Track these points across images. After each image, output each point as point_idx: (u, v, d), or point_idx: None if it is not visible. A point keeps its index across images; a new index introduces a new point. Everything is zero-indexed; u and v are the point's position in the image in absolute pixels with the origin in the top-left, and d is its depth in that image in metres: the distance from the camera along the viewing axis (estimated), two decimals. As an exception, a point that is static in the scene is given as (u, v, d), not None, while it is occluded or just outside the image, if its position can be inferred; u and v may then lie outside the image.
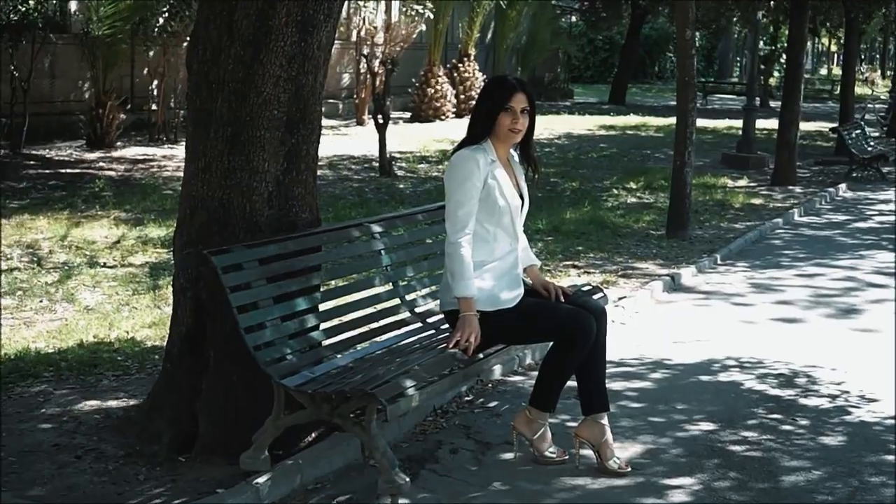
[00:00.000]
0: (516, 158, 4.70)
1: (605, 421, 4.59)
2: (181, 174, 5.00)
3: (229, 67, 4.50)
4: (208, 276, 4.37)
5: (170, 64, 17.79)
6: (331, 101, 23.45)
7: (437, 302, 4.81)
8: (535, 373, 4.88)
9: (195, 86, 4.62)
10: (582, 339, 4.41)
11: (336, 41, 5.34)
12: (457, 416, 5.29)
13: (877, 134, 22.53)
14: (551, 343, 4.55)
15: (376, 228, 5.07)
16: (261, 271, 4.35)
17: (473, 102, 5.02)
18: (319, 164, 5.07)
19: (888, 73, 53.86)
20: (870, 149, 17.60)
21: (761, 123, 20.30)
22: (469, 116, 4.66)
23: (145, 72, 18.31)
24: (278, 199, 4.62)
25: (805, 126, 20.10)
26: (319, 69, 4.67)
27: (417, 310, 5.13)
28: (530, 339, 4.90)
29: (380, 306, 5.05)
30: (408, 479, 4.20)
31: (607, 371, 4.68)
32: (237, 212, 4.55)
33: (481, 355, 4.56)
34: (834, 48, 59.29)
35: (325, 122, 5.39)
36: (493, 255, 4.49)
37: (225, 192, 4.54)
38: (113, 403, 5.19)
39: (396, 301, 5.08)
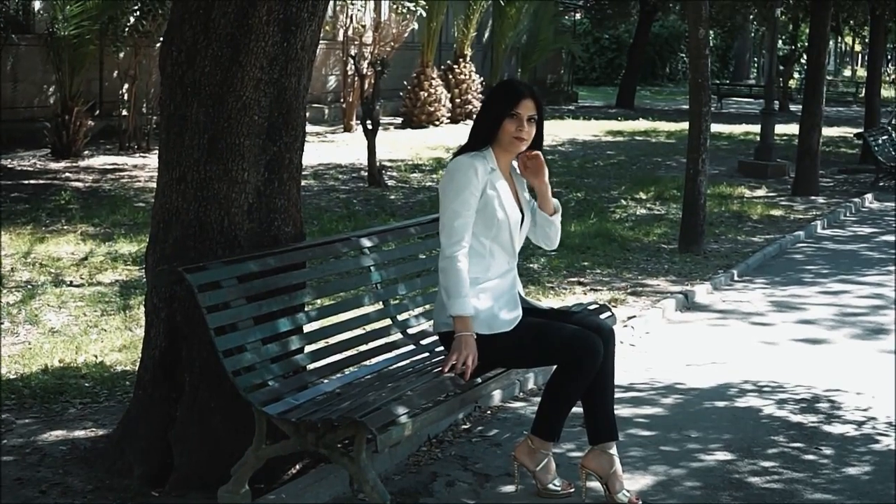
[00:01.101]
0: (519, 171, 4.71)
1: (613, 451, 4.59)
2: (154, 185, 5.00)
3: (206, 70, 4.51)
4: (183, 295, 4.37)
5: (141, 66, 17.80)
6: (316, 105, 23.52)
7: (431, 322, 4.81)
8: (538, 399, 4.88)
9: (169, 90, 4.64)
10: (588, 362, 4.41)
11: (321, 41, 5.35)
12: (453, 446, 5.29)
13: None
14: (555, 367, 4.55)
15: (365, 243, 5.07)
16: (240, 290, 4.35)
17: (470, 107, 5.05)
18: (304, 173, 5.08)
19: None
20: (898, 155, 17.65)
21: (781, 129, 20.36)
22: (472, 122, 4.67)
23: (115, 75, 18.33)
24: (259, 211, 4.63)
25: (828, 131, 20.16)
26: (303, 71, 4.69)
27: (410, 331, 5.13)
28: (532, 362, 4.89)
29: (369, 327, 5.06)
30: (400, 515, 4.20)
31: (615, 397, 4.67)
32: (214, 225, 4.55)
33: (479, 380, 4.55)
34: (858, 48, 59.60)
35: (309, 128, 5.40)
36: (489, 273, 4.50)
37: (201, 204, 4.55)
38: (80, 434, 5.19)
39: (387, 321, 5.08)
